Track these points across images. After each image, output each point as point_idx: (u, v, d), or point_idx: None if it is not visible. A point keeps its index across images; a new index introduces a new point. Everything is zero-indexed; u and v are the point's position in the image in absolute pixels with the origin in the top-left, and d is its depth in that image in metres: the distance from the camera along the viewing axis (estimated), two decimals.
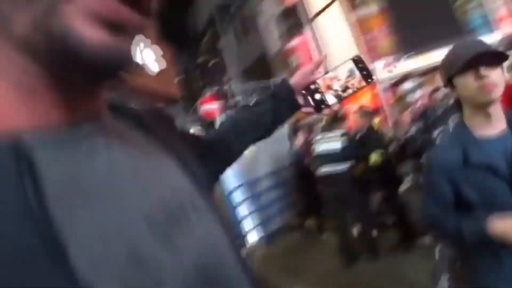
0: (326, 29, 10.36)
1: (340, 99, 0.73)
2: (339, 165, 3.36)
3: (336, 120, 3.63)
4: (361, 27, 9.93)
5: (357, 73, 0.72)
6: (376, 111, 5.97)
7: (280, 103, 0.74)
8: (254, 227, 5.47)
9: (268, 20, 12.89)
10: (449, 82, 1.11)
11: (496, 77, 0.99)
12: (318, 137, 3.64)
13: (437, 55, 9.70)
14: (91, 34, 0.26)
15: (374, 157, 3.40)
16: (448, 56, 1.14)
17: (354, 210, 3.52)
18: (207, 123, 9.21)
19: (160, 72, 6.13)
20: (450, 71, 1.08)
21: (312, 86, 0.73)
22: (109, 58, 0.27)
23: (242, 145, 0.74)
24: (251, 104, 0.76)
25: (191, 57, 18.43)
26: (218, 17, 16.27)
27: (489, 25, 10.47)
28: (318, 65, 0.78)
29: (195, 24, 21.26)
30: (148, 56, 5.80)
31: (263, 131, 0.75)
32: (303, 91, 0.74)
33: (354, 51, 9.71)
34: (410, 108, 4.35)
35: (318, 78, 0.74)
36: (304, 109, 0.76)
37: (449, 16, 10.17)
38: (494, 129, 1.05)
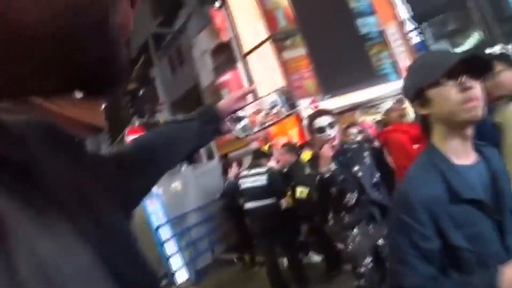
0: (257, 66, 10.82)
1: (263, 127, 0.76)
2: (264, 201, 3.53)
3: (262, 155, 3.84)
4: (290, 67, 10.63)
5: (280, 103, 0.75)
6: (302, 146, 6.25)
7: (206, 125, 0.75)
8: (183, 265, 5.11)
9: (203, 53, 13.01)
10: (417, 96, 0.91)
11: (480, 90, 0.83)
12: (244, 173, 3.77)
13: (354, 97, 10.86)
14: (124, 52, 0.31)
15: (300, 191, 3.53)
16: (419, 65, 0.97)
17: (282, 243, 3.65)
18: None
19: (83, 99, 5.48)
20: (423, 81, 0.88)
21: (238, 113, 0.75)
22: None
23: (171, 158, 0.71)
24: (178, 120, 0.77)
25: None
26: (153, 44, 15.90)
27: (397, 72, 12.21)
28: (246, 94, 0.80)
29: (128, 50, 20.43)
30: None
31: (188, 149, 0.74)
32: (229, 116, 0.76)
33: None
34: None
35: (244, 106, 0.76)
36: (228, 134, 0.79)
37: (364, 63, 11.59)
38: (469, 156, 0.88)
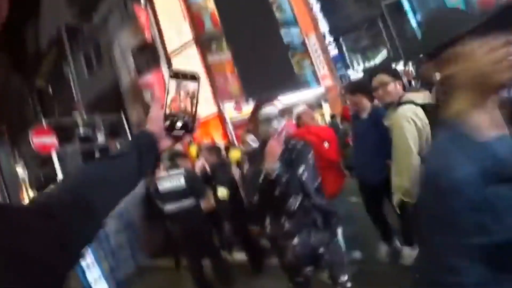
0: (184, 66, 10.56)
1: (193, 115, 0.73)
2: (183, 202, 3.43)
3: (177, 156, 3.70)
4: (214, 71, 10.63)
5: (183, 83, 0.73)
6: (226, 147, 6.34)
7: (145, 156, 0.67)
8: (102, 276, 4.60)
9: (124, 51, 12.21)
10: (437, 53, 0.78)
11: None
12: (161, 174, 3.62)
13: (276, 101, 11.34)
14: None
15: (221, 192, 3.54)
16: (441, 19, 0.84)
17: (204, 243, 3.59)
18: (41, 159, 7.45)
19: None
20: (449, 35, 0.75)
21: (169, 119, 0.72)
22: None
23: (110, 202, 0.62)
24: (113, 155, 0.67)
25: (28, 79, 15.13)
26: (68, 38, 14.33)
27: (317, 80, 13.18)
28: (160, 100, 0.74)
29: (37, 40, 17.99)
30: None
31: (127, 188, 0.66)
32: (165, 125, 0.71)
33: (206, 90, 10.20)
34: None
35: (165, 110, 0.72)
36: (169, 145, 0.73)
37: (287, 70, 12.24)
38: (498, 125, 0.74)
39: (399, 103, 1.91)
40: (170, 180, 3.51)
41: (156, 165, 0.78)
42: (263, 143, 1.84)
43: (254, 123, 1.93)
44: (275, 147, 1.66)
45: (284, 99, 11.39)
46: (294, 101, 11.79)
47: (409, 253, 2.58)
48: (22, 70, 18.43)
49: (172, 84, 0.73)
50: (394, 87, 1.99)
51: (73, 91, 13.19)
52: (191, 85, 0.74)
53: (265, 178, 1.65)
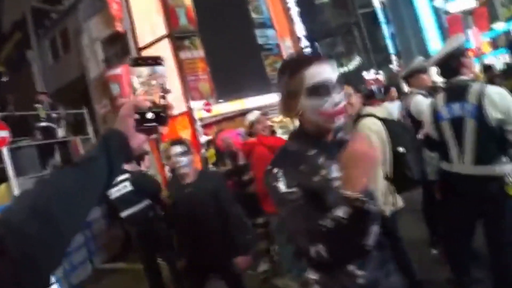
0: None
1: (163, 104, 0.68)
2: (135, 207, 3.44)
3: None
4: (186, 68, 10.51)
5: (148, 69, 0.67)
6: (195, 148, 6.30)
7: (115, 158, 0.62)
8: (55, 279, 4.39)
9: (93, 41, 11.75)
10: None
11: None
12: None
13: (246, 102, 11.44)
14: None
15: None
16: None
17: (160, 244, 3.55)
18: None
19: None
20: None
21: (138, 112, 0.66)
22: None
23: (78, 218, 0.56)
24: (78, 161, 0.60)
25: None
26: (33, 21, 13.54)
27: None
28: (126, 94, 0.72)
29: (0, 23, 16.82)
30: None
31: (100, 193, 0.61)
32: (136, 122, 0.66)
33: (176, 87, 10.06)
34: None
35: (133, 103, 0.66)
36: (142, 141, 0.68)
37: (259, 72, 12.32)
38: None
39: (360, 115, 1.99)
40: (117, 187, 3.41)
41: (125, 162, 0.69)
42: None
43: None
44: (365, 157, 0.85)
45: (255, 101, 11.51)
46: (265, 103, 11.94)
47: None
48: None
49: (135, 72, 0.67)
50: (356, 99, 2.08)
51: (35, 79, 12.51)
52: (156, 71, 0.68)
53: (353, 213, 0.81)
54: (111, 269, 5.24)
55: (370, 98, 5.41)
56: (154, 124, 0.66)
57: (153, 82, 0.67)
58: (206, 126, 10.25)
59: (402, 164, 1.81)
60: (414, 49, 19.65)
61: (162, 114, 0.67)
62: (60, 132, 9.37)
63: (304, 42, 16.83)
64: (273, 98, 12.16)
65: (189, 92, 10.28)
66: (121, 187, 3.41)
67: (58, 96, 12.89)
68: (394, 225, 2.03)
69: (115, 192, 3.44)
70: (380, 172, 1.84)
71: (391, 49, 24.44)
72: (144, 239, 3.51)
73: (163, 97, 0.68)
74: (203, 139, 9.43)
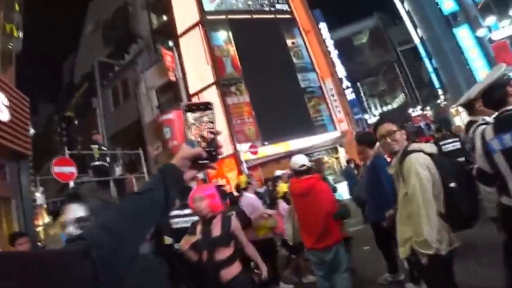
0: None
1: (214, 143, 0.75)
2: None
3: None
4: (233, 112, 11.02)
5: (199, 113, 0.75)
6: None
7: (171, 190, 0.70)
8: None
9: (148, 89, 12.94)
10: None
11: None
12: (175, 213, 3.63)
13: (292, 144, 11.50)
14: None
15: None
16: None
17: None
18: (59, 186, 7.71)
19: (10, 122, 4.92)
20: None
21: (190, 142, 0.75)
22: None
23: (139, 237, 0.65)
24: (140, 191, 0.69)
25: (58, 110, 16.14)
26: (98, 73, 15.41)
27: (333, 123, 13.34)
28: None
29: (71, 75, 19.47)
30: None
31: (156, 219, 0.69)
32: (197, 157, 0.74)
33: (224, 131, 10.48)
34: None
35: (193, 153, 0.74)
36: (194, 175, 0.76)
37: (303, 114, 12.49)
38: None
39: (407, 151, 1.91)
40: (187, 219, 3.50)
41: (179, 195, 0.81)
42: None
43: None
44: None
45: (299, 143, 11.54)
46: (310, 144, 11.91)
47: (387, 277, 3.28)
48: (55, 101, 19.66)
49: (189, 117, 0.75)
50: (400, 136, 2.01)
51: (98, 123, 13.90)
52: (207, 114, 0.75)
53: None
54: None
55: (418, 135, 5.20)
56: (206, 161, 0.74)
57: (205, 123, 0.75)
58: (251, 167, 10.40)
59: (455, 200, 1.71)
60: (461, 82, 18.74)
61: (213, 152, 0.75)
62: (117, 170, 10.05)
63: (345, 83, 16.99)
64: (316, 139, 12.15)
65: (235, 135, 10.66)
66: (189, 220, 3.43)
67: (116, 138, 14.15)
68: (450, 266, 1.84)
69: (182, 223, 3.54)
70: (433, 207, 1.74)
71: (436, 83, 23.64)
72: (194, 276, 3.31)
73: (214, 136, 0.75)
74: None
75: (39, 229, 9.11)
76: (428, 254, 1.72)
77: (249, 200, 4.15)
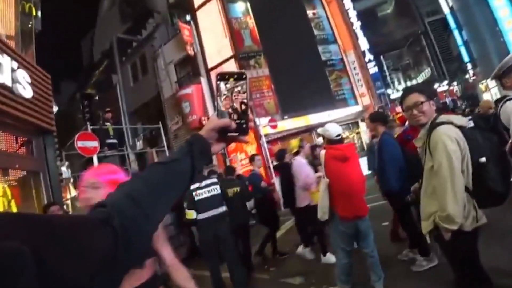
0: None
1: (245, 115, 0.72)
2: (218, 209, 3.70)
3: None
4: (252, 86, 10.82)
5: (231, 84, 0.72)
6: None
7: (198, 160, 0.68)
8: None
9: (167, 64, 12.86)
10: None
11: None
12: (196, 186, 3.77)
13: (312, 118, 11.26)
14: None
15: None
16: None
17: (228, 249, 3.72)
18: (84, 161, 8.05)
19: (33, 99, 5.10)
20: None
21: (220, 111, 0.71)
22: None
23: (162, 207, 0.63)
24: (166, 161, 0.67)
25: (79, 88, 16.47)
26: (117, 50, 15.45)
27: (354, 98, 12.92)
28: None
29: (91, 53, 19.68)
30: (21, 78, 4.78)
31: (182, 189, 0.68)
32: (220, 131, 0.71)
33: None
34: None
35: (217, 112, 0.71)
36: (222, 147, 0.74)
37: (324, 88, 12.13)
38: None
39: (435, 123, 1.80)
40: (207, 189, 3.75)
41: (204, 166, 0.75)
42: None
43: None
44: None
45: (320, 117, 11.28)
46: (330, 119, 11.63)
47: (421, 263, 3.14)
48: (77, 79, 20.05)
49: (221, 86, 0.71)
50: (429, 107, 1.90)
51: (119, 99, 14.09)
52: (240, 85, 0.72)
53: None
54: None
55: (443, 111, 4.95)
56: (235, 134, 0.71)
57: (237, 94, 0.71)
58: (271, 141, 10.32)
59: (484, 175, 1.64)
60: (493, 55, 17.45)
61: (244, 125, 0.71)
62: (138, 145, 10.23)
63: (368, 56, 16.23)
64: (337, 113, 11.82)
65: (254, 109, 10.51)
66: (211, 189, 3.75)
67: (137, 113, 14.37)
68: (475, 244, 1.78)
69: (203, 194, 3.75)
70: (460, 182, 1.66)
71: (465, 57, 22.20)
72: (214, 242, 3.64)
73: (245, 107, 0.71)
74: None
75: (67, 202, 9.56)
76: (451, 229, 1.68)
77: (301, 164, 4.12)
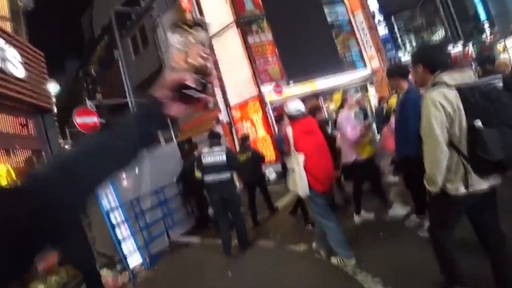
0: (224, 48, 10.51)
1: (206, 71, 0.63)
2: (222, 174, 4.10)
3: (216, 136, 4.41)
4: (255, 52, 10.41)
5: (189, 35, 0.63)
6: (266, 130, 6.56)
7: (149, 120, 0.63)
8: (136, 248, 4.89)
9: (167, 33, 12.48)
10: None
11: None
12: (205, 150, 4.25)
13: (319, 83, 10.87)
14: None
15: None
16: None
17: (234, 210, 4.29)
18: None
19: (28, 78, 5.06)
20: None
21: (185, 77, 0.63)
22: None
23: (99, 174, 0.59)
24: (113, 125, 0.63)
25: (83, 65, 16.30)
26: (117, 23, 15.04)
27: (363, 60, 12.37)
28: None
29: (91, 29, 19.26)
30: (11, 57, 4.69)
31: (129, 155, 0.63)
32: (174, 88, 0.63)
33: (247, 72, 10.06)
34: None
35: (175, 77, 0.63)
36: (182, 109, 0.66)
37: (331, 51, 11.61)
38: None
39: (431, 85, 1.76)
40: (213, 155, 4.12)
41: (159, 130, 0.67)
42: None
43: None
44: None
45: (327, 81, 10.87)
46: (337, 83, 11.22)
47: (415, 220, 3.26)
48: (79, 57, 19.86)
49: (172, 38, 0.63)
50: (420, 70, 1.89)
51: (122, 74, 13.88)
52: (197, 36, 0.63)
53: None
54: (185, 243, 5.53)
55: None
56: (193, 90, 0.62)
57: (193, 41, 0.62)
58: (277, 108, 10.06)
59: (476, 141, 1.57)
60: None
61: (202, 80, 0.63)
62: None
63: (378, 17, 15.34)
64: (345, 78, 11.37)
65: (259, 76, 10.19)
66: (217, 155, 4.13)
67: (141, 88, 14.19)
68: (456, 208, 1.78)
69: (210, 158, 4.14)
70: (439, 148, 1.65)
71: (481, 15, 20.85)
72: (221, 203, 4.14)
73: (204, 61, 0.62)
74: None
75: None
76: (433, 191, 1.74)
77: (348, 117, 3.82)
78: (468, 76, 1.69)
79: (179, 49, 0.62)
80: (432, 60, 1.81)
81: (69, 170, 0.55)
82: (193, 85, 0.61)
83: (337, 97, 4.35)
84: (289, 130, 3.02)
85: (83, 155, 0.59)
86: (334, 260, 3.06)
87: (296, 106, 3.05)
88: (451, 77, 1.68)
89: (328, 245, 3.06)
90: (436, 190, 1.72)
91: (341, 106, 4.07)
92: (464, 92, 1.61)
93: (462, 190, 1.68)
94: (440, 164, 1.67)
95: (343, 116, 3.83)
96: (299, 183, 2.89)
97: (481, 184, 1.66)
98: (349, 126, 3.67)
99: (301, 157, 2.89)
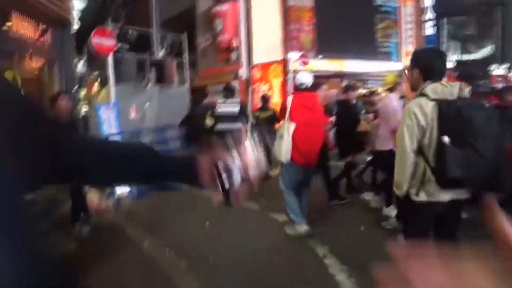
0: (258, 4, 10.04)
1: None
2: (234, 124, 4.25)
3: (231, 90, 4.64)
4: (291, 16, 9.92)
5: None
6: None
7: (174, 177, 0.69)
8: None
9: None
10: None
11: None
12: (220, 100, 4.45)
13: (348, 64, 10.43)
14: None
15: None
16: None
17: None
18: (101, 61, 7.95)
19: None
20: None
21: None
22: None
23: (101, 176, 0.63)
24: (154, 149, 0.67)
25: None
26: None
27: (399, 54, 11.77)
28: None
29: None
30: None
31: (139, 178, 0.69)
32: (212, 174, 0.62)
33: (277, 34, 9.66)
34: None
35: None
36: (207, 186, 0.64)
37: (369, 35, 11.02)
38: None
39: (420, 94, 1.82)
40: (228, 106, 4.35)
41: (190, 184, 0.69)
42: None
43: None
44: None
45: (356, 65, 10.42)
46: (366, 70, 10.76)
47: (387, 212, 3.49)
48: None
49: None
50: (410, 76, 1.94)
51: (152, 6, 13.49)
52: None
53: None
54: (177, 187, 5.58)
55: (490, 95, 4.04)
56: (224, 185, 0.62)
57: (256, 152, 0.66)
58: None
59: (440, 155, 1.68)
60: None
61: (226, 191, 0.63)
62: (161, 52, 9.97)
63: (429, 14, 14.36)
64: (375, 66, 10.86)
65: (288, 41, 9.78)
66: (230, 106, 4.35)
67: (168, 24, 13.81)
68: (423, 217, 1.88)
69: (224, 108, 4.34)
70: (405, 156, 1.76)
71: None
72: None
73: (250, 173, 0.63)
74: None
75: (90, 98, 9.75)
76: (399, 195, 1.88)
77: (393, 104, 3.46)
78: (450, 92, 1.72)
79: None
80: (431, 68, 1.82)
81: (99, 148, 0.61)
82: (226, 180, 0.62)
83: (391, 78, 4.10)
84: (289, 99, 3.20)
85: (114, 150, 0.63)
86: (288, 230, 3.23)
87: (301, 79, 3.19)
88: (433, 90, 1.74)
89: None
90: (401, 194, 1.84)
91: (391, 90, 3.78)
92: (440, 106, 1.69)
93: (423, 197, 1.77)
94: (405, 171, 1.78)
95: (392, 101, 3.49)
96: (283, 150, 3.09)
97: (442, 195, 1.75)
98: (398, 113, 3.26)
99: (292, 126, 3.06)
